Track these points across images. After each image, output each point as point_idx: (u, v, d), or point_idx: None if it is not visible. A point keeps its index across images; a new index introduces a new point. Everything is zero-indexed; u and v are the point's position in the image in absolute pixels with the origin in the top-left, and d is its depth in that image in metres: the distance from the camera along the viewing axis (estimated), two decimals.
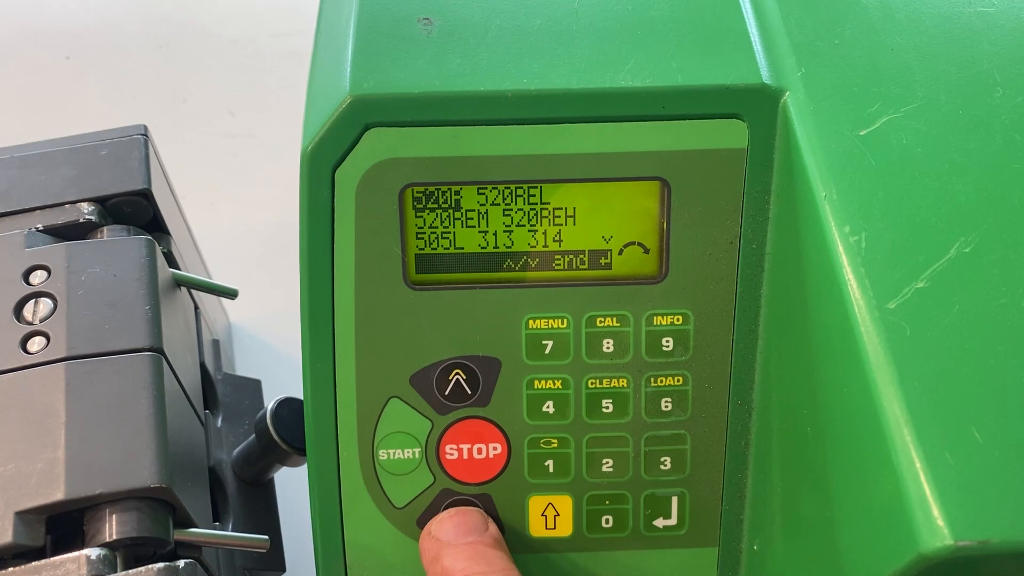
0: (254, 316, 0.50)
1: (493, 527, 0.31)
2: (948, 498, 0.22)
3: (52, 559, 0.27)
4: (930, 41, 0.30)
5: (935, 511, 0.22)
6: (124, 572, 0.27)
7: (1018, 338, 0.24)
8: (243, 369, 0.47)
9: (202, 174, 0.55)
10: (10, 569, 0.27)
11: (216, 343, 0.42)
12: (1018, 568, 0.22)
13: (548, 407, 0.31)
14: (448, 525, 0.30)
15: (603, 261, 0.31)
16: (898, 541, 0.22)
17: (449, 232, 0.30)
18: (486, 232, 0.30)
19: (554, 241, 0.30)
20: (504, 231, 0.30)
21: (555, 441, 0.31)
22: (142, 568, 0.27)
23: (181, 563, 0.28)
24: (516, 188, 0.30)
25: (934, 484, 0.22)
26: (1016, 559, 0.22)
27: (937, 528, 0.22)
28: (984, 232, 0.26)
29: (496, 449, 0.31)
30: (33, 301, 0.32)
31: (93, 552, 0.27)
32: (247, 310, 0.49)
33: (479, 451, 0.31)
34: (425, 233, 0.30)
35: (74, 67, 0.60)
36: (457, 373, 0.31)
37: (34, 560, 0.27)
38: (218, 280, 0.40)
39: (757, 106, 0.29)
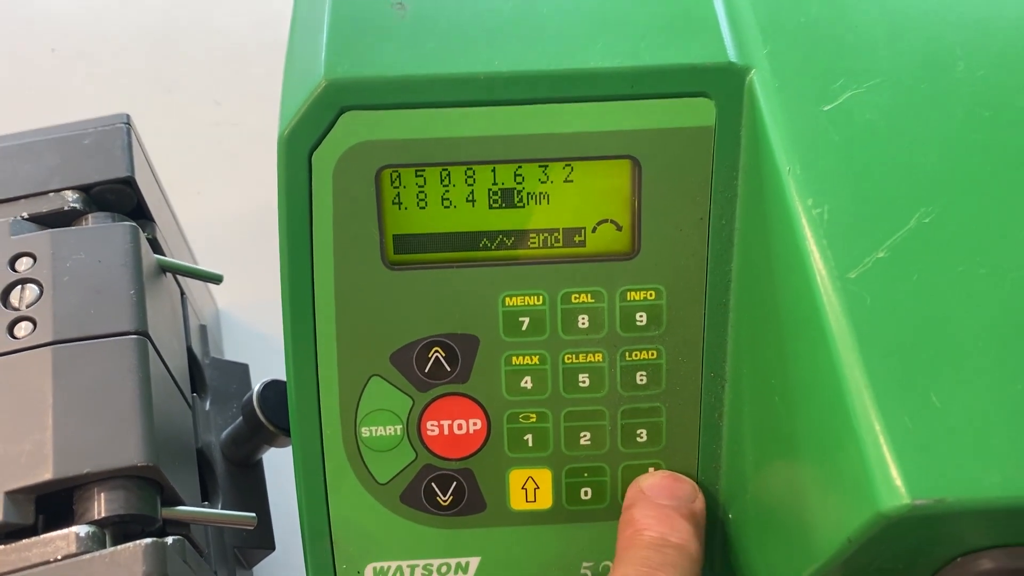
0: (242, 302, 0.51)
1: (700, 502, 0.31)
2: (906, 459, 0.23)
3: (42, 536, 0.28)
4: (893, 17, 0.30)
5: (893, 472, 0.23)
6: (112, 548, 0.28)
7: (974, 305, 0.25)
8: (232, 354, 0.47)
9: (188, 163, 0.55)
10: (1, 547, 0.28)
11: (203, 328, 0.43)
12: (973, 525, 0.23)
13: (526, 382, 0.32)
14: (658, 481, 0.31)
15: (577, 239, 0.31)
16: (858, 501, 0.23)
17: (426, 213, 0.31)
18: (462, 212, 0.31)
19: (529, 220, 0.31)
20: (480, 211, 0.31)
21: (533, 416, 0.32)
22: (130, 544, 0.28)
23: (169, 539, 0.29)
24: (490, 168, 0.30)
25: (893, 447, 0.23)
26: (971, 516, 0.23)
27: (895, 488, 0.22)
28: (943, 203, 0.26)
29: (476, 425, 0.32)
30: (19, 287, 0.32)
31: (82, 529, 0.28)
32: (235, 296, 0.50)
33: (459, 427, 0.32)
34: (402, 214, 0.31)
35: (59, 59, 0.60)
36: (436, 351, 0.31)
37: (25, 538, 0.28)
38: (206, 267, 0.40)
39: (724, 84, 0.29)
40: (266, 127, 0.56)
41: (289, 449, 0.36)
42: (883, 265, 0.25)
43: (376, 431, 0.32)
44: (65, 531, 0.28)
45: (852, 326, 0.25)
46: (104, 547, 0.28)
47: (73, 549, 0.27)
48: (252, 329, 0.50)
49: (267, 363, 0.44)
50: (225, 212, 0.54)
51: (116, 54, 0.61)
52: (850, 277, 0.25)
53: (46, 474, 0.28)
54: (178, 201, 0.44)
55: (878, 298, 0.25)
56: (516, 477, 0.32)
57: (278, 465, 0.41)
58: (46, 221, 0.35)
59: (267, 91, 0.60)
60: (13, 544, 0.28)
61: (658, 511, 0.30)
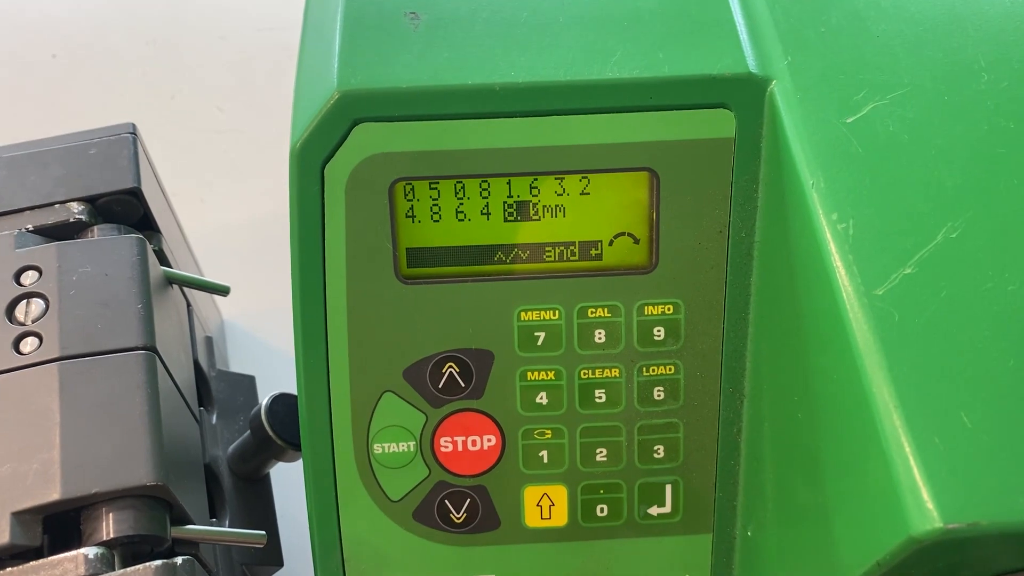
0: (247, 312, 0.50)
1: None
2: (937, 482, 0.22)
3: (50, 558, 0.27)
4: (915, 28, 0.30)
5: (925, 495, 0.22)
6: (122, 570, 0.27)
7: (1004, 322, 0.24)
8: (237, 365, 0.47)
9: (191, 171, 0.54)
10: (8, 569, 0.27)
11: (209, 340, 0.42)
12: (1006, 549, 0.23)
13: (541, 398, 0.31)
14: None
15: (593, 252, 0.31)
16: (889, 524, 0.23)
17: (440, 226, 0.30)
18: (477, 225, 0.30)
19: (544, 233, 0.30)
20: (494, 224, 0.30)
21: (549, 432, 0.31)
22: (140, 566, 0.27)
23: (179, 560, 0.28)
24: (506, 181, 0.30)
25: (923, 468, 0.22)
26: (1004, 540, 0.22)
27: (927, 511, 0.22)
28: (970, 218, 0.26)
29: (490, 441, 0.31)
30: (25, 302, 0.32)
31: (91, 551, 0.27)
32: (240, 306, 0.49)
33: (473, 443, 0.31)
34: (415, 227, 0.30)
35: (60, 65, 0.60)
36: (450, 366, 0.31)
37: (32, 560, 0.27)
38: (210, 277, 0.40)
39: (744, 95, 0.29)
40: (270, 134, 0.56)
41: (297, 463, 0.35)
42: (910, 281, 0.25)
43: (389, 447, 0.31)
44: (73, 553, 0.27)
45: (880, 343, 0.24)
46: (113, 569, 0.27)
47: (82, 571, 0.27)
48: (257, 340, 0.49)
49: (273, 374, 0.43)
50: (228, 220, 0.53)
51: (118, 60, 0.60)
52: (877, 294, 0.25)
53: (54, 494, 0.28)
54: (181, 209, 0.43)
55: (906, 315, 0.24)
56: (531, 494, 0.32)
57: (286, 479, 0.41)
58: (51, 233, 0.34)
59: (270, 98, 0.59)
60: (20, 567, 0.27)
61: None
